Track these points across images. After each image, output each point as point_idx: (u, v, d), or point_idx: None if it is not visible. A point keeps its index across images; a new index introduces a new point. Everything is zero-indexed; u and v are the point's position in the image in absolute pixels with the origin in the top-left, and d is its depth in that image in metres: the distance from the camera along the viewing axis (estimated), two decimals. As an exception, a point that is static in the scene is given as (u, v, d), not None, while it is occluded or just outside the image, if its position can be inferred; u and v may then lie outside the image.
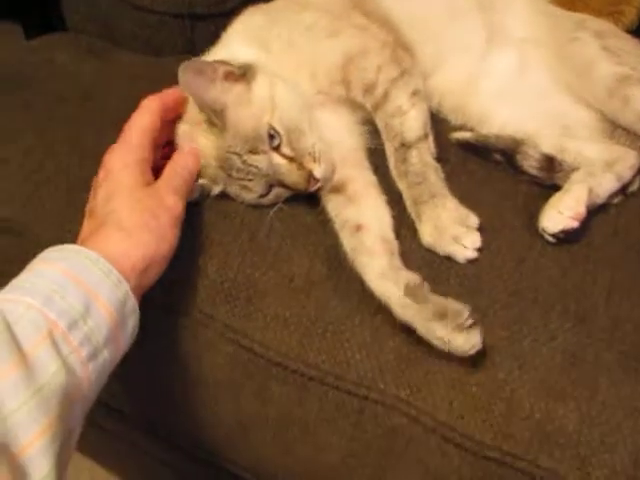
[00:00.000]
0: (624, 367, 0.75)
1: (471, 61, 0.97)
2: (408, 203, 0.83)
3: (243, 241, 0.83)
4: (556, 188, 0.87)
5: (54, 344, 0.61)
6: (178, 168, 0.81)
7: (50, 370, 0.60)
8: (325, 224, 0.84)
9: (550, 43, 0.96)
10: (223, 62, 0.83)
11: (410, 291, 0.75)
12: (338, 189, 0.85)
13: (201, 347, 0.84)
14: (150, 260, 0.72)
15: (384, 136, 0.86)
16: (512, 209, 0.86)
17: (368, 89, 0.86)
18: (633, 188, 0.90)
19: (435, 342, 0.75)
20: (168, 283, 0.78)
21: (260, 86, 0.83)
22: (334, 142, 0.87)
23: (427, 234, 0.81)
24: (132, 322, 0.70)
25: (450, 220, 0.80)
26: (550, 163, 0.88)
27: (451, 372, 0.76)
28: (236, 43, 0.90)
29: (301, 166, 0.82)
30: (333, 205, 0.84)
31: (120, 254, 0.69)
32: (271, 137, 0.81)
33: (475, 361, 0.75)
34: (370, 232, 0.81)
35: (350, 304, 0.79)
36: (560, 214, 0.82)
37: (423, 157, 0.83)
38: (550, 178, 0.89)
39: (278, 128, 0.81)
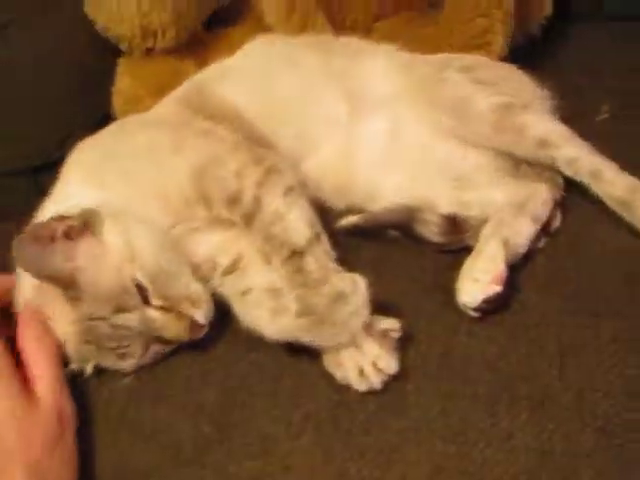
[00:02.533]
0: (605, 448, 0.60)
1: (340, 136, 0.84)
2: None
3: (111, 419, 0.68)
4: (469, 251, 0.74)
5: None
6: (35, 344, 0.68)
7: None
8: (204, 376, 0.69)
9: (419, 94, 0.84)
10: (59, 218, 0.69)
11: (303, 306, 0.66)
12: (231, 270, 0.75)
13: None
14: None
15: (267, 249, 0.72)
16: (423, 292, 0.72)
17: (232, 201, 0.72)
18: (556, 225, 0.76)
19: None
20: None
21: (111, 233, 0.70)
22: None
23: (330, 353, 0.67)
24: None
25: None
26: (453, 224, 0.76)
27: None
28: (71, 187, 0.77)
29: (180, 315, 0.68)
30: (228, 285, 0.74)
31: None
32: (139, 289, 0.68)
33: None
34: (255, 290, 0.71)
35: (255, 464, 0.63)
36: (477, 282, 0.68)
37: (322, 262, 0.69)
38: (459, 240, 0.75)
39: (142, 279, 0.68)
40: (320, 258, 0.69)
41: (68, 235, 0.68)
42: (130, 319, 0.67)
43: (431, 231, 0.75)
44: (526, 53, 0.97)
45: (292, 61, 0.87)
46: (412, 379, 0.65)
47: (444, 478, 0.60)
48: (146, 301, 0.68)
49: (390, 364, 0.65)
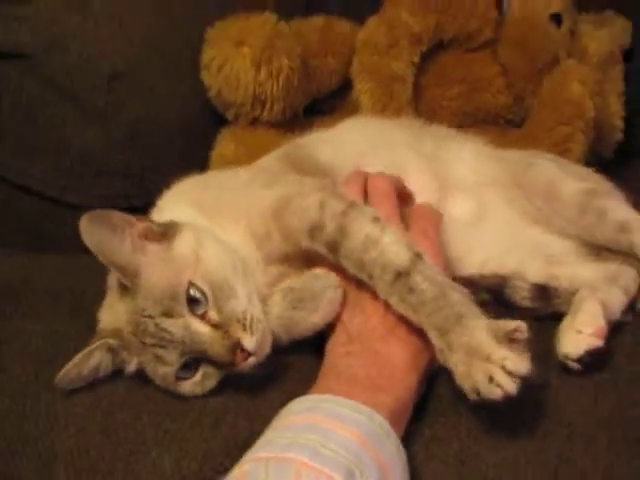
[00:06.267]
0: None
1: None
2: (433, 335, 0.65)
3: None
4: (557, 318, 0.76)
5: None
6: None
7: None
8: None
9: (506, 179, 0.91)
10: (143, 218, 0.73)
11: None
12: None
13: None
14: None
15: (364, 277, 0.69)
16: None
17: (314, 229, 0.71)
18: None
19: None
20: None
21: (183, 242, 0.72)
22: None
23: (460, 367, 0.62)
24: None
25: (485, 339, 0.62)
26: (544, 291, 0.79)
27: None
28: (172, 205, 0.81)
29: (227, 334, 0.67)
30: None
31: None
32: (192, 301, 0.68)
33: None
34: None
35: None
36: (580, 333, 0.70)
37: (432, 277, 0.67)
38: (549, 306, 0.79)
39: (202, 285, 0.68)
40: (430, 274, 0.67)
41: (144, 236, 0.71)
42: (173, 325, 0.67)
43: (522, 297, 0.79)
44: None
45: (385, 136, 0.93)
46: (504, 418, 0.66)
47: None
48: (201, 315, 0.68)
49: (520, 365, 0.60)
